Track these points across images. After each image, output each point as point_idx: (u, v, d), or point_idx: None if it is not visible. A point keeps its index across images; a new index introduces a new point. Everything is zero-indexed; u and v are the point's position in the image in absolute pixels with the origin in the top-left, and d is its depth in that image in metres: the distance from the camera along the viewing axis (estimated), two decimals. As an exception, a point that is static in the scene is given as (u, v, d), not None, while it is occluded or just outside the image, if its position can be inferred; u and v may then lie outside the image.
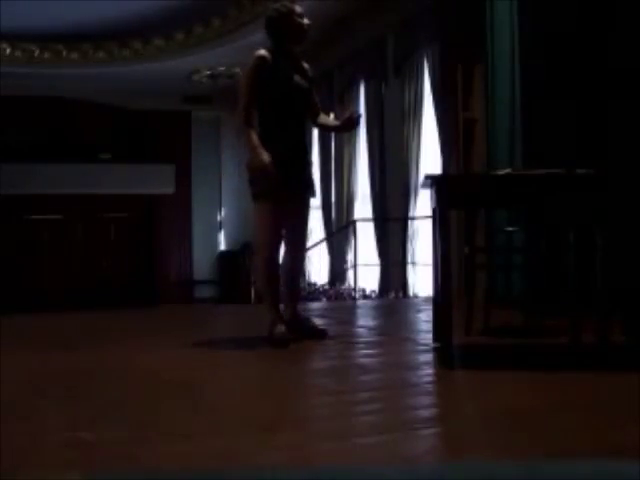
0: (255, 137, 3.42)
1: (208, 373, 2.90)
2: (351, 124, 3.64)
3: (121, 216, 11.47)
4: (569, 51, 4.43)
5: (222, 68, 10.23)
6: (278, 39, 3.57)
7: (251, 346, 3.46)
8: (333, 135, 8.55)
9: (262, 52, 3.52)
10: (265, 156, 3.36)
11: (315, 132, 8.85)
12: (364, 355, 3.35)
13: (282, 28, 3.55)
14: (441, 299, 3.07)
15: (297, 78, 3.57)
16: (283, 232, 3.59)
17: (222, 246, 12.64)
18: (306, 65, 3.70)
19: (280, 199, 3.47)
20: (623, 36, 4.20)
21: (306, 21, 3.57)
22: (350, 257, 8.23)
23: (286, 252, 3.66)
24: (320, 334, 3.64)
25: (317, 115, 3.73)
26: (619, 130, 4.18)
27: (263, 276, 3.59)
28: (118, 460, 1.74)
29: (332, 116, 8.38)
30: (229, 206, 12.46)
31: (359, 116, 3.67)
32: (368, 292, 7.91)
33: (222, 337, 3.80)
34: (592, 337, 3.13)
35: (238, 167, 11.90)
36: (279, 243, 3.55)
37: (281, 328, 3.45)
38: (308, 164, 3.68)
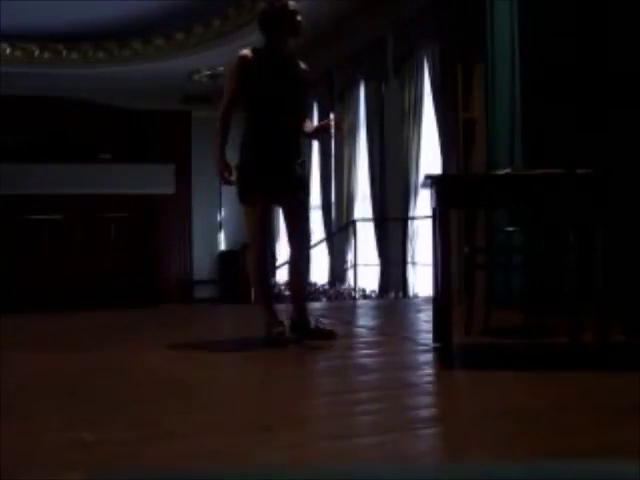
0: (220, 148, 3.43)
1: (208, 373, 2.90)
2: (323, 130, 3.60)
3: (121, 216, 11.45)
4: (569, 51, 4.43)
5: (222, 68, 10.23)
6: (270, 34, 3.48)
7: (251, 346, 3.45)
8: (333, 135, 8.51)
9: (245, 52, 3.46)
10: (221, 166, 3.42)
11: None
12: (364, 355, 3.35)
13: (275, 23, 3.46)
14: (441, 299, 3.07)
15: (281, 79, 3.46)
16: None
17: (222, 246, 12.62)
18: (303, 65, 3.61)
19: (263, 200, 3.46)
20: (623, 35, 4.19)
21: (299, 17, 3.47)
22: (350, 257, 8.22)
23: (289, 253, 3.65)
24: (327, 335, 3.49)
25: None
26: (619, 129, 4.17)
27: (253, 277, 3.59)
28: (118, 460, 1.74)
29: (331, 116, 8.41)
30: (229, 206, 12.44)
31: (330, 126, 3.61)
32: (368, 292, 7.90)
33: (222, 337, 3.80)
34: (592, 337, 3.13)
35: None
36: (265, 244, 3.54)
37: (278, 328, 3.44)
38: (300, 164, 3.57)
